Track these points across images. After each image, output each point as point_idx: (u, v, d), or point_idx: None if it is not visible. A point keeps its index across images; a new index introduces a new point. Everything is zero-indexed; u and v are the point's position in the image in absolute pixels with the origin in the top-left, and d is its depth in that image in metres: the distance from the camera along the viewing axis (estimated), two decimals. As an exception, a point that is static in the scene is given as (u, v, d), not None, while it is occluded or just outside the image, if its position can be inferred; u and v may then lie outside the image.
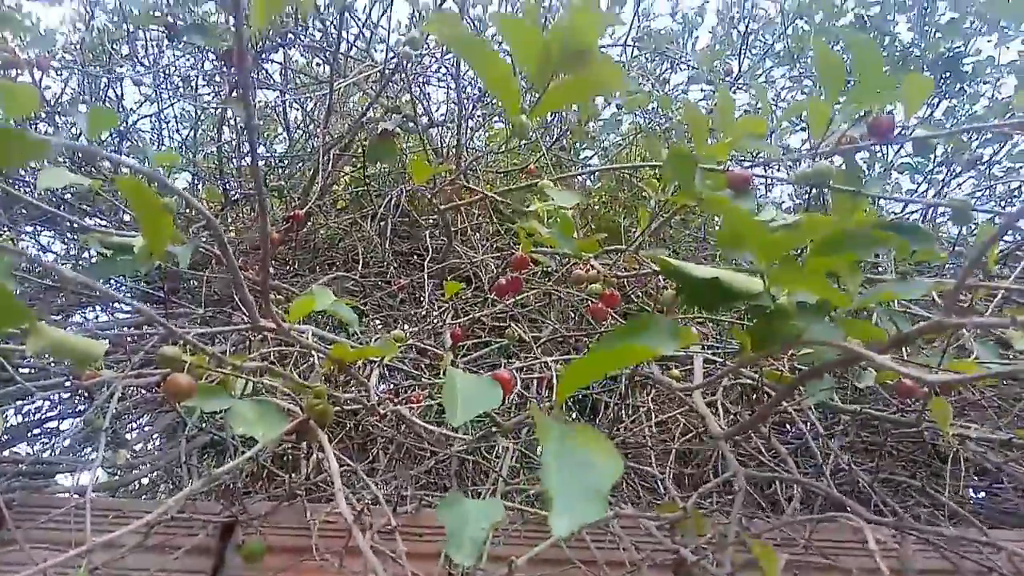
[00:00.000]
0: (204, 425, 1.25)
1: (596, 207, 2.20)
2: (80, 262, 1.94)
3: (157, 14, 1.94)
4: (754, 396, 1.12)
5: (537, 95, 0.68)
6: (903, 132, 0.70)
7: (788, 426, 1.42)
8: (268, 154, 2.45)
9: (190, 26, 1.25)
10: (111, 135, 2.32)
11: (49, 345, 0.51)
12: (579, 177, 2.18)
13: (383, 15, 1.91)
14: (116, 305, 1.90)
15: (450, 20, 0.74)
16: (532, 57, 0.54)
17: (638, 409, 1.32)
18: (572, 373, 0.40)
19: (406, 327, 1.22)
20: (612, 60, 0.55)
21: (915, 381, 0.56)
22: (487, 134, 2.70)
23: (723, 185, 0.79)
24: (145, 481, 1.57)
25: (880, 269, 1.14)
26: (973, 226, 1.12)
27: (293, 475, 1.02)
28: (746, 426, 0.79)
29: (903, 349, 0.87)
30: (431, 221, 1.86)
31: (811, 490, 1.00)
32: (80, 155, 1.89)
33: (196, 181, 2.52)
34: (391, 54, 1.89)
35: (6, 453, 1.67)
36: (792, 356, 1.00)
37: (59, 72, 2.26)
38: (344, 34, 1.84)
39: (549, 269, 1.50)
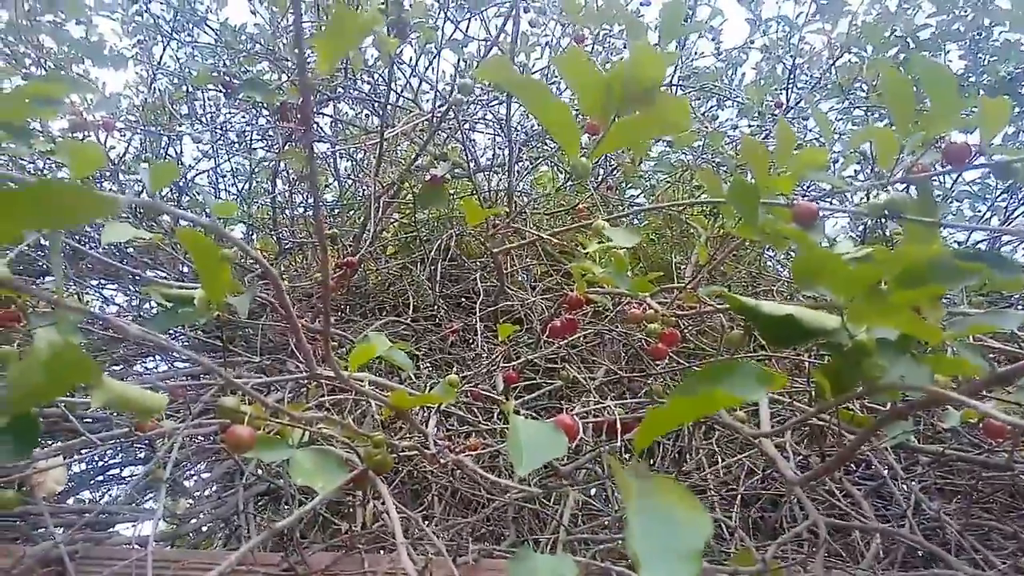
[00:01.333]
0: (261, 473, 1.25)
1: (644, 245, 2.18)
2: (141, 313, 1.99)
3: (215, 74, 2.02)
4: (824, 437, 1.07)
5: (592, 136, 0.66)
6: (981, 157, 0.67)
7: (855, 466, 1.35)
8: (320, 203, 2.50)
9: (246, 82, 1.29)
10: (171, 190, 2.41)
11: (113, 398, 0.51)
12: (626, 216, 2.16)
13: (429, 66, 1.95)
14: (175, 355, 1.93)
15: (504, 66, 0.74)
16: (594, 97, 0.53)
17: (699, 451, 1.27)
18: (652, 420, 0.38)
19: (459, 371, 1.21)
20: (677, 99, 0.53)
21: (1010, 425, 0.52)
22: (532, 177, 2.72)
23: (788, 219, 0.76)
24: (203, 529, 1.57)
25: (952, 302, 1.09)
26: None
27: (352, 526, 1.00)
28: (824, 471, 0.75)
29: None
30: (480, 264, 1.86)
31: (893, 537, 0.94)
32: (141, 210, 1.95)
33: (250, 232, 2.59)
34: (439, 102, 1.93)
35: (71, 501, 1.70)
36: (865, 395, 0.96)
37: (123, 132, 2.36)
38: (392, 85, 1.88)
39: (600, 309, 1.47)
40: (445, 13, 1.56)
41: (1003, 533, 1.12)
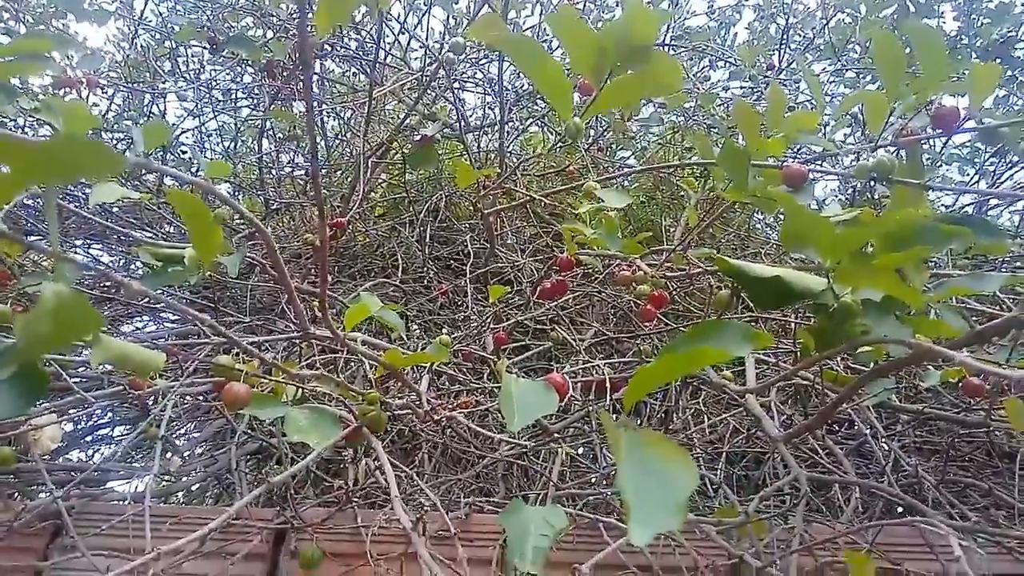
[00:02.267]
0: (252, 431, 1.26)
1: (634, 207, 2.18)
2: (129, 273, 1.98)
3: (199, 30, 1.97)
4: (808, 396, 1.10)
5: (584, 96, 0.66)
6: (970, 122, 0.67)
7: (838, 426, 1.38)
8: (306, 162, 2.48)
9: (232, 38, 1.26)
10: (156, 149, 2.37)
11: (113, 356, 0.51)
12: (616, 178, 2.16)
13: (418, 24, 1.92)
14: (164, 315, 1.93)
15: (496, 24, 0.74)
16: (587, 56, 0.53)
17: (685, 411, 1.29)
18: (642, 378, 0.39)
19: (449, 332, 1.22)
20: (670, 57, 0.53)
21: (994, 378, 0.54)
22: (523, 137, 2.70)
23: (778, 182, 0.77)
24: (195, 488, 1.59)
25: (937, 265, 1.11)
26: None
27: (345, 482, 1.02)
28: (806, 428, 0.77)
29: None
30: (470, 225, 1.86)
31: (871, 492, 0.97)
32: (126, 169, 1.93)
33: (237, 192, 2.56)
34: (428, 60, 1.90)
35: (60, 460, 1.71)
36: (848, 355, 0.98)
37: (104, 89, 2.31)
38: (381, 43, 1.85)
39: (590, 271, 1.48)
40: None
41: (979, 490, 1.16)
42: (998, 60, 2.45)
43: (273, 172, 2.41)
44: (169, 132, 0.64)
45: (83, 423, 1.88)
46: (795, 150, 1.89)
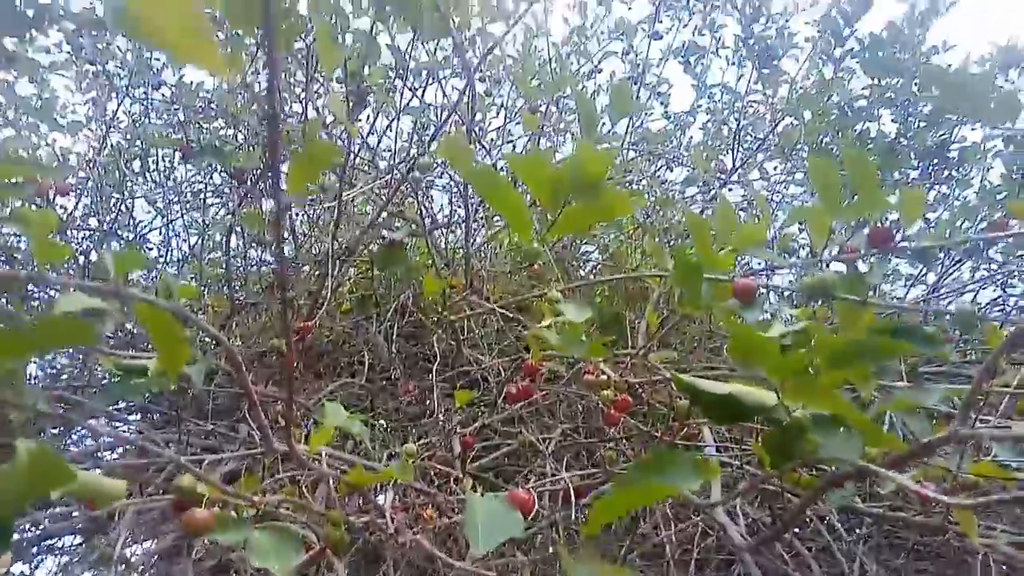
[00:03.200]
0: (210, 547, 1.22)
1: (598, 299, 2.22)
2: (88, 374, 1.94)
3: (170, 135, 2.02)
4: (775, 496, 1.10)
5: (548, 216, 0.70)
6: (903, 241, 0.72)
7: (804, 526, 1.38)
8: (273, 259, 2.49)
9: (205, 147, 1.30)
10: (119, 235, 2.38)
11: (74, 489, 0.50)
12: (580, 274, 2.21)
13: (388, 127, 1.99)
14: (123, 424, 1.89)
15: (461, 147, 0.78)
16: (544, 190, 0.56)
17: (654, 513, 1.29)
18: (600, 509, 0.40)
19: (415, 436, 1.21)
20: (620, 191, 0.57)
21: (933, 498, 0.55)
22: (489, 232, 2.76)
23: (729, 295, 0.80)
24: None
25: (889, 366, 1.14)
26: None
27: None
28: (770, 536, 0.78)
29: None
30: (437, 322, 1.87)
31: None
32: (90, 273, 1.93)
33: (203, 286, 2.56)
34: (397, 162, 1.96)
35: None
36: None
37: (74, 188, 2.33)
38: (350, 146, 1.91)
39: (556, 373, 1.49)
40: (403, 80, 1.60)
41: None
42: (935, 160, 2.60)
43: (240, 268, 2.42)
44: (144, 260, 0.66)
45: (28, 532, 1.80)
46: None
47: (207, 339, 2.00)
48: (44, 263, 0.67)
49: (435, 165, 1.11)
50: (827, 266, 0.78)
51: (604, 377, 1.07)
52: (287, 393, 0.68)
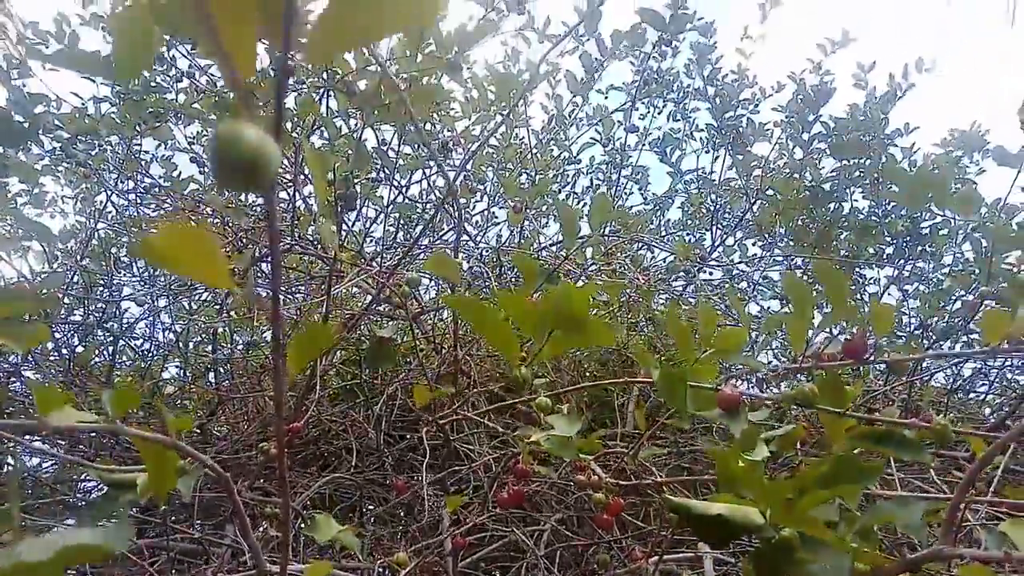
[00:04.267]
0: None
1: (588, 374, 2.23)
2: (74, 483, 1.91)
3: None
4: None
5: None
6: (876, 352, 0.75)
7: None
8: (263, 342, 2.49)
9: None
10: (105, 342, 2.38)
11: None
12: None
13: (375, 220, 2.04)
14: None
15: (449, 264, 0.81)
16: (530, 326, 0.59)
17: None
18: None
19: (405, 544, 1.20)
20: (603, 323, 0.60)
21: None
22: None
23: (713, 404, 0.82)
24: None
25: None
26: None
27: None
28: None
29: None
30: (428, 413, 1.87)
31: None
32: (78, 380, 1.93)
33: (186, 374, 2.54)
34: (385, 247, 2.00)
35: None
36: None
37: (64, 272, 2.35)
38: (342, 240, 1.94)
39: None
40: (389, 181, 1.65)
41: None
42: (908, 237, 2.68)
43: (226, 353, 2.41)
44: (140, 398, 0.67)
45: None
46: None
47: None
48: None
49: (421, 280, 1.14)
50: (806, 375, 0.80)
51: (595, 479, 1.07)
52: (284, 521, 0.68)
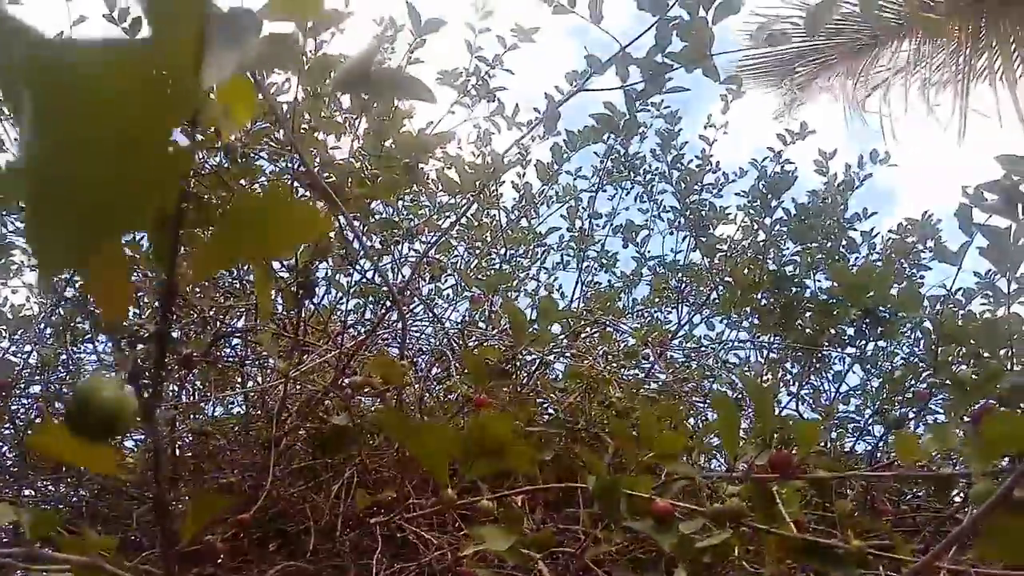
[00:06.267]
0: None
1: (555, 447, 2.20)
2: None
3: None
4: None
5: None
6: (802, 469, 0.77)
7: None
8: (225, 413, 2.46)
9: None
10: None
11: None
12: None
13: (337, 303, 2.05)
14: None
15: (390, 366, 0.82)
16: (456, 451, 0.60)
17: None
18: None
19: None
20: (523, 448, 0.61)
21: None
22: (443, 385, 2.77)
23: (649, 513, 0.83)
24: None
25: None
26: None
27: None
28: None
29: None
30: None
31: None
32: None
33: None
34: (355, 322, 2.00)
35: None
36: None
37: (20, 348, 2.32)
38: (302, 318, 1.95)
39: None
40: (352, 265, 1.67)
41: None
42: (866, 319, 2.74)
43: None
44: (58, 520, 0.66)
45: None
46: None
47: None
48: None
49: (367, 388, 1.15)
50: (740, 483, 0.82)
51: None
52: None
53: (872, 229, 2.94)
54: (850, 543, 0.67)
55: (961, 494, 1.84)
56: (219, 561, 1.75)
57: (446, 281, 2.63)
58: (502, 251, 2.53)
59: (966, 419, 1.22)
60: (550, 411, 2.06)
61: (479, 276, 1.79)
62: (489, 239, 2.51)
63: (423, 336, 2.07)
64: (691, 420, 1.96)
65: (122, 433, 0.27)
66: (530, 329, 1.10)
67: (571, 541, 1.27)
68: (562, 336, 2.08)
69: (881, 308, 2.72)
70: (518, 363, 1.65)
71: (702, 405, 2.26)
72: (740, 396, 1.93)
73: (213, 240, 0.27)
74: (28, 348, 2.36)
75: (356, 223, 1.28)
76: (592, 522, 1.11)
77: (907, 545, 0.87)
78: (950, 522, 1.32)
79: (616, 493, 0.80)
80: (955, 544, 0.60)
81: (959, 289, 2.07)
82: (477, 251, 2.52)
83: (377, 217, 1.70)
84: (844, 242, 2.87)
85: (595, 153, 2.35)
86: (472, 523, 1.15)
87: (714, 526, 0.78)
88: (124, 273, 0.25)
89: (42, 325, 2.47)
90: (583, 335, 2.30)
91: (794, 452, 0.78)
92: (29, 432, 2.22)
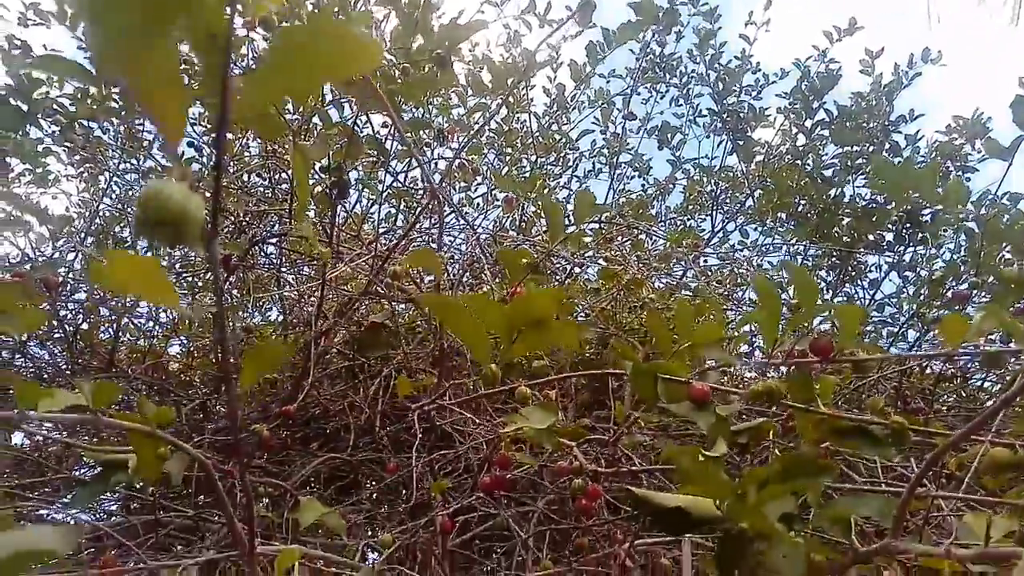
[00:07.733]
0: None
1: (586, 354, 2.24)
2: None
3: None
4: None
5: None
6: (842, 354, 0.76)
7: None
8: (263, 321, 2.52)
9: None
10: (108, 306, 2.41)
11: None
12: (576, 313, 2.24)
13: (372, 203, 2.05)
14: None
15: (429, 257, 0.83)
16: (500, 325, 0.61)
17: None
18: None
19: (391, 525, 1.23)
20: (567, 323, 0.62)
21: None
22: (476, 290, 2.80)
23: (685, 396, 0.84)
24: None
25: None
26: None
27: None
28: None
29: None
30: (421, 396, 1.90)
31: None
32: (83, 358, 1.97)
33: (192, 349, 2.58)
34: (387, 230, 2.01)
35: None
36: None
37: (63, 254, 2.38)
38: (336, 220, 1.96)
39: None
40: (385, 167, 1.66)
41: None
42: (907, 226, 2.68)
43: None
44: (118, 389, 0.69)
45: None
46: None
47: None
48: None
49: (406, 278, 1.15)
50: (777, 369, 0.82)
51: (576, 464, 1.09)
52: (247, 502, 0.71)
53: (917, 132, 2.82)
54: (891, 420, 0.67)
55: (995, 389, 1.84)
56: (264, 456, 1.84)
57: (476, 189, 2.62)
58: (533, 158, 2.50)
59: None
60: (583, 315, 2.07)
61: (512, 180, 1.76)
62: (520, 146, 2.46)
63: (454, 244, 2.07)
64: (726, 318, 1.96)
65: (189, 241, 0.27)
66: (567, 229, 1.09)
67: (604, 435, 1.31)
68: (594, 242, 2.07)
69: (922, 212, 2.66)
70: (550, 271, 1.66)
71: (734, 312, 2.26)
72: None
73: (263, 69, 0.27)
74: (71, 256, 2.41)
75: (391, 120, 1.26)
76: (624, 417, 1.13)
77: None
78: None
79: (651, 377, 0.81)
80: (996, 415, 0.60)
81: (1006, 193, 2.01)
82: (508, 158, 2.49)
83: (407, 118, 1.67)
84: (888, 145, 2.78)
85: (630, 50, 2.26)
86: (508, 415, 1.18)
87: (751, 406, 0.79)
88: (180, 91, 0.25)
89: (83, 234, 2.51)
90: (615, 242, 2.29)
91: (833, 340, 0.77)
92: (78, 336, 2.31)
